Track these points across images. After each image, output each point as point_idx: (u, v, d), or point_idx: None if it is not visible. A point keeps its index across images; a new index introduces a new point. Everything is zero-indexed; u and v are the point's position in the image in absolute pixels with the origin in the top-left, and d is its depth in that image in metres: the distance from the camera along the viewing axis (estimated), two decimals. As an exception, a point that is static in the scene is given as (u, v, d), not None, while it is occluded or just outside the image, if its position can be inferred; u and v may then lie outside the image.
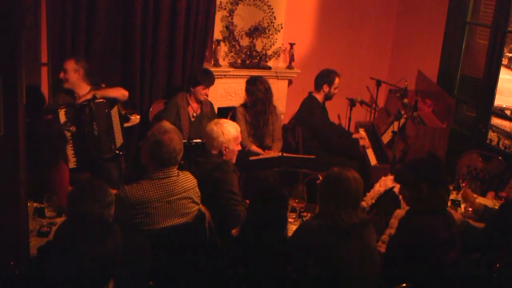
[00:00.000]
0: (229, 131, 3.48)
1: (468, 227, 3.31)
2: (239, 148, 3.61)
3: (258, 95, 4.80)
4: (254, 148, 4.88)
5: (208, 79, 4.77)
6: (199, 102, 4.82)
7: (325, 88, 5.05)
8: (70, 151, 4.05)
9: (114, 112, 4.28)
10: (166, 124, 3.13)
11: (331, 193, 2.72)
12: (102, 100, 4.16)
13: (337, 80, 5.07)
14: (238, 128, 3.60)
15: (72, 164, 4.05)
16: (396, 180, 3.11)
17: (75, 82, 4.24)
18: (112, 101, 4.27)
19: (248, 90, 4.85)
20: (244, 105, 4.97)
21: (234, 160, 3.56)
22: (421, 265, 2.74)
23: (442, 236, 2.77)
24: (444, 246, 2.79)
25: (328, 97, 5.12)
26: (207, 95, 4.84)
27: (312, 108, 5.05)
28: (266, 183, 2.80)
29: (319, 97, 5.08)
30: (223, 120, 3.59)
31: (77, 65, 4.23)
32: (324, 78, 5.06)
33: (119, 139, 4.33)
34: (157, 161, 2.95)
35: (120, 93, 4.36)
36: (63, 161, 3.69)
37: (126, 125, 4.59)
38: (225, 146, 3.46)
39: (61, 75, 4.24)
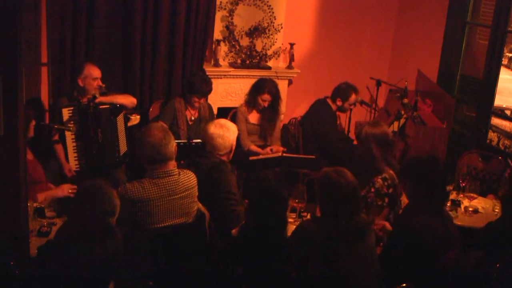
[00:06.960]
0: (234, 130, 3.53)
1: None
2: None
3: (276, 94, 4.83)
4: (253, 148, 4.87)
5: (204, 91, 4.69)
6: (195, 108, 4.79)
7: (338, 102, 4.97)
8: (72, 153, 4.05)
9: (120, 119, 4.23)
10: (154, 123, 3.13)
11: (325, 194, 2.73)
12: (107, 106, 4.11)
13: (353, 96, 4.96)
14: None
15: (74, 166, 4.06)
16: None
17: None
18: (119, 108, 4.21)
19: (270, 91, 4.80)
20: (249, 105, 4.92)
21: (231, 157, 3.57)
22: (418, 263, 2.74)
23: (438, 234, 2.77)
24: (440, 245, 2.79)
25: (341, 109, 5.06)
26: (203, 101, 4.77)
27: (322, 113, 4.97)
28: (265, 184, 2.80)
29: (333, 105, 5.01)
30: (223, 121, 3.59)
31: (100, 72, 4.19)
32: (340, 92, 4.97)
33: (123, 147, 4.27)
34: (143, 157, 2.98)
35: (129, 100, 4.33)
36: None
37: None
38: (233, 145, 3.50)
39: (99, 83, 4.14)
